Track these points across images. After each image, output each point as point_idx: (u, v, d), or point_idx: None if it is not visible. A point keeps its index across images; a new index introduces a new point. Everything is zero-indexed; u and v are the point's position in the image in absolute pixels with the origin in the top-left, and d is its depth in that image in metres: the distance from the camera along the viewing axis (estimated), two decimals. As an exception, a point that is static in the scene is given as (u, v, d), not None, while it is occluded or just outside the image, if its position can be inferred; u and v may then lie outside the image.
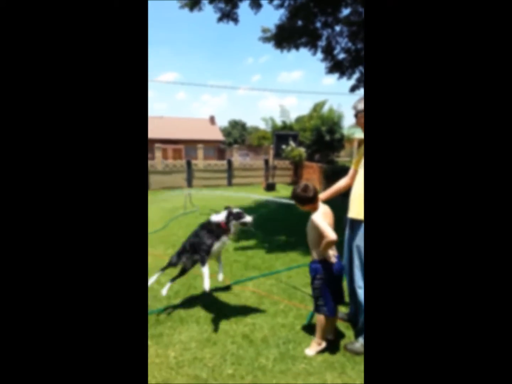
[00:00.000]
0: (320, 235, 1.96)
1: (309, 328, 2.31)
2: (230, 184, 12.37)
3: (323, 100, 13.96)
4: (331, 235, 1.87)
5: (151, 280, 2.61)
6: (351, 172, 2.35)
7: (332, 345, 2.12)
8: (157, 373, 1.86)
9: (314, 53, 7.99)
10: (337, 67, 8.21)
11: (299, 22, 7.28)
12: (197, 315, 2.52)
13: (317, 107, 13.75)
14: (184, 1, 6.55)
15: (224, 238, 2.39)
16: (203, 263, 2.30)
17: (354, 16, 7.36)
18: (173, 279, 2.73)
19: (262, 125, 30.63)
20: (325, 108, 13.31)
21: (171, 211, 6.88)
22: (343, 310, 2.49)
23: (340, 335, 2.27)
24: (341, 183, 2.42)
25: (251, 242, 4.52)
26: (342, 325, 2.37)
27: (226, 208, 2.42)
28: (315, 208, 2.04)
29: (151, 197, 8.34)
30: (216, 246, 2.36)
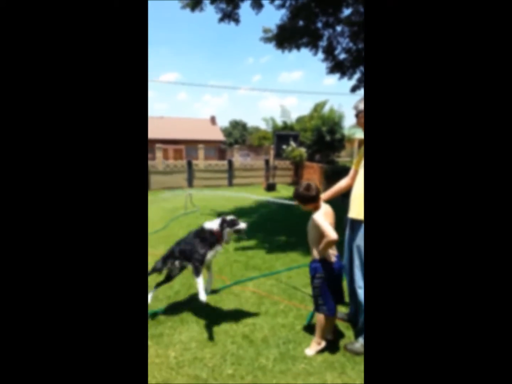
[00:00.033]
0: (320, 234, 1.96)
1: (309, 328, 2.31)
2: (230, 184, 12.38)
3: (323, 100, 13.95)
4: (331, 234, 1.88)
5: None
6: (351, 172, 2.36)
7: (332, 345, 2.12)
8: (157, 373, 1.86)
9: (315, 53, 7.97)
10: (338, 67, 8.20)
11: (300, 22, 7.26)
12: (197, 315, 2.51)
13: (318, 107, 13.73)
14: (186, 1, 6.56)
15: (218, 247, 2.33)
16: (197, 273, 2.20)
17: (355, 16, 7.35)
18: (157, 286, 2.62)
19: (262, 125, 30.72)
20: (326, 108, 13.29)
21: (171, 211, 6.88)
22: (343, 310, 2.49)
23: (340, 335, 2.27)
24: (342, 184, 2.42)
25: (251, 242, 4.52)
26: (342, 325, 2.37)
27: (220, 215, 2.36)
28: (317, 208, 2.04)
29: (152, 197, 8.36)
30: (210, 255, 2.30)
